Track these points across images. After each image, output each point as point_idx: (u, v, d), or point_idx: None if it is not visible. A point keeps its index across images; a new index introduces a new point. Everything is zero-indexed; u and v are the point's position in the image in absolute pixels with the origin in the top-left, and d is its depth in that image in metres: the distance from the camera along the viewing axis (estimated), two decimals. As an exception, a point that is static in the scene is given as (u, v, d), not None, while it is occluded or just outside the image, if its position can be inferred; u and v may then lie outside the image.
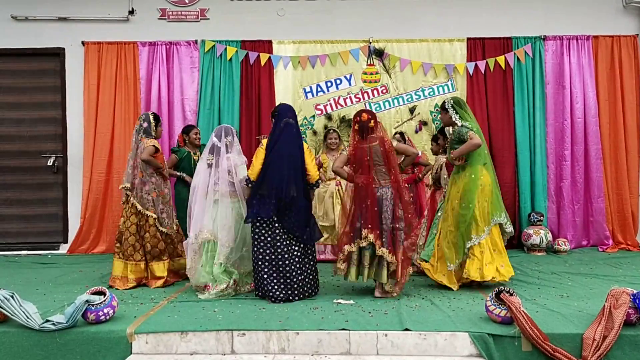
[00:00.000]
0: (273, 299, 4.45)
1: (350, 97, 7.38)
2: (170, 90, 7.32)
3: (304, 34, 7.39)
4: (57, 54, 7.42)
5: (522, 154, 7.27)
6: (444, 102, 5.06)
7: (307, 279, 4.59)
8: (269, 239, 4.53)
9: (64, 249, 7.31)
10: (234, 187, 4.78)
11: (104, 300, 3.81)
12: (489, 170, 4.93)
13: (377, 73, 7.40)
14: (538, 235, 6.85)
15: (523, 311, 3.61)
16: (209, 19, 7.42)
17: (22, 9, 7.36)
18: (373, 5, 7.43)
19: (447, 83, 7.39)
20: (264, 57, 7.28)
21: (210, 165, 4.85)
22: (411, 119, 7.36)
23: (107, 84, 7.29)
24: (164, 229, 5.11)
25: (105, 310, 3.80)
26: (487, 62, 7.32)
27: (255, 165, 4.60)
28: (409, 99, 7.39)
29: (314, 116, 7.37)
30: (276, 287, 4.47)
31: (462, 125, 4.86)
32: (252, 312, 4.14)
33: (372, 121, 4.71)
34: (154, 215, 5.05)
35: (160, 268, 5.06)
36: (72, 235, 7.28)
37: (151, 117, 5.30)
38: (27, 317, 3.72)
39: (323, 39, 7.38)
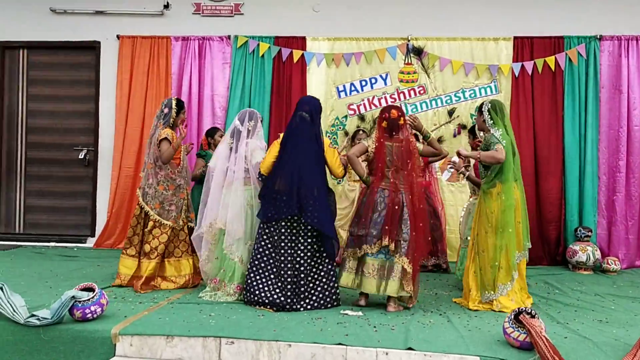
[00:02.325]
0: (260, 304, 4.17)
1: (385, 97, 7.01)
2: (201, 87, 7.18)
3: (339, 30, 7.09)
4: (93, 48, 7.43)
5: (570, 163, 6.68)
6: (481, 104, 4.63)
7: (311, 289, 4.25)
8: (275, 237, 4.27)
9: (91, 242, 7.28)
10: (249, 173, 4.52)
11: (92, 298, 3.62)
12: (519, 188, 4.46)
13: (414, 72, 7.00)
14: (585, 252, 6.25)
15: (544, 336, 3.16)
16: (243, 14, 7.24)
17: (60, 2, 7.39)
18: (413, 1, 7.05)
19: (490, 84, 6.91)
20: (296, 54, 7.02)
21: (231, 150, 4.60)
22: (449, 121, 6.93)
23: (139, 79, 7.22)
24: (167, 222, 4.78)
25: (93, 308, 3.61)
26: (535, 62, 6.78)
27: (267, 159, 4.38)
28: (448, 101, 6.95)
29: (346, 116, 7.04)
30: (266, 289, 4.19)
31: (492, 134, 4.41)
32: (249, 318, 3.86)
33: (402, 119, 4.38)
34: (151, 211, 4.77)
35: (144, 266, 4.73)
36: (99, 229, 7.24)
37: (174, 102, 4.95)
38: (14, 311, 3.58)
39: (359, 36, 7.06)
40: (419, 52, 6.97)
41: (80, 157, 7.39)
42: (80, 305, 3.58)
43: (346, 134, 6.95)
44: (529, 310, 3.38)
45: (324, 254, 4.29)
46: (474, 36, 6.94)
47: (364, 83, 7.05)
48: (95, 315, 3.63)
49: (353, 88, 7.06)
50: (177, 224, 4.89)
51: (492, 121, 4.42)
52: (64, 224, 7.48)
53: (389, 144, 4.32)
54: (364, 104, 7.03)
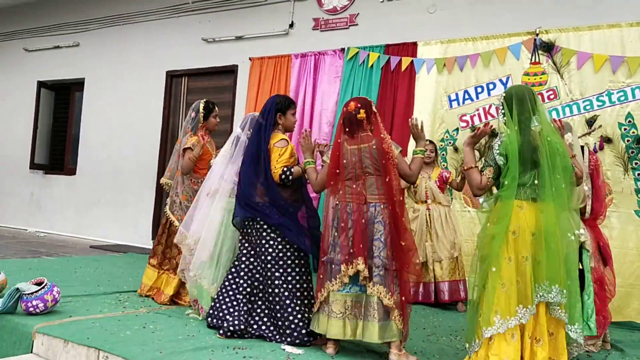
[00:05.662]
0: (212, 327, 3.72)
1: (504, 106, 5.75)
2: (313, 102, 6.96)
3: (455, 31, 6.13)
4: (232, 71, 7.88)
5: None
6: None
7: (265, 314, 3.64)
8: (244, 249, 3.86)
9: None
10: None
11: (35, 292, 3.71)
12: (550, 210, 2.96)
13: (543, 73, 5.60)
14: None
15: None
16: (357, 24, 6.83)
17: (209, 32, 8.07)
18: (544, -15, 5.71)
19: (650, 83, 5.10)
20: (405, 62, 6.28)
21: (230, 158, 4.27)
22: (589, 133, 5.32)
23: (263, 98, 7.31)
24: None
25: (34, 303, 3.69)
26: None
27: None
28: (588, 107, 5.36)
29: (457, 129, 5.98)
30: (224, 311, 3.72)
31: (495, 143, 3.14)
32: (169, 337, 3.44)
33: (363, 112, 3.42)
34: (176, 222, 4.64)
35: (169, 281, 4.57)
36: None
37: (201, 105, 4.77)
38: (-20, 296, 3.89)
39: (476, 36, 5.97)
40: (549, 48, 5.56)
41: (216, 173, 7.84)
42: (25, 298, 3.71)
43: (456, 149, 5.92)
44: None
45: (296, 269, 3.66)
46: (626, 21, 5.24)
47: (479, 90, 5.92)
48: (37, 310, 3.70)
49: (467, 96, 5.98)
50: None
51: (504, 118, 3.16)
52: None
53: (350, 147, 3.42)
54: (479, 114, 5.89)
